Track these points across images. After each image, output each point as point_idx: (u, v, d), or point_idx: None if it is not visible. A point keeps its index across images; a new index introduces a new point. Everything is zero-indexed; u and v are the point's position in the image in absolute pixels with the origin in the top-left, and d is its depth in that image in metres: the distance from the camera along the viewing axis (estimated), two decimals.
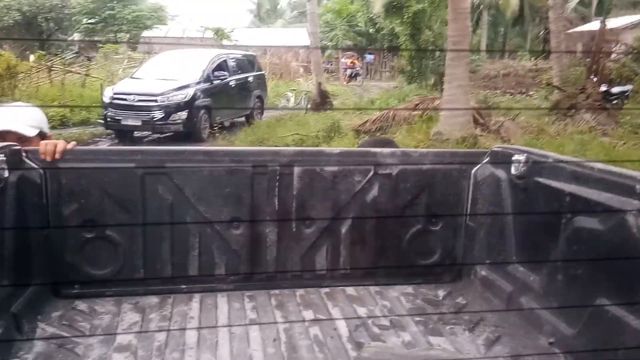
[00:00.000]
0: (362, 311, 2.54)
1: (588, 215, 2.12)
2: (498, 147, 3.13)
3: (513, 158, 2.63)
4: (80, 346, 2.11)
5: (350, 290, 2.76)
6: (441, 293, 2.79)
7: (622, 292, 1.94)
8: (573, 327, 2.14)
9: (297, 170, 2.66)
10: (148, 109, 11.12)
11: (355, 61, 29.51)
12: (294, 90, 18.78)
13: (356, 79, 27.56)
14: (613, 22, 22.23)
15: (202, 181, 2.56)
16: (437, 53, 17.44)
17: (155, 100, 11.14)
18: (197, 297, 2.58)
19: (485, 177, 2.81)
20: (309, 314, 2.48)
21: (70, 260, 2.47)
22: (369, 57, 32.04)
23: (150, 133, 11.68)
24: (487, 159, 2.84)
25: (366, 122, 11.71)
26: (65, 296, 2.46)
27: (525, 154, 2.61)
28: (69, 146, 2.40)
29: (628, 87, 13.59)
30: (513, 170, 2.63)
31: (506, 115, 11.40)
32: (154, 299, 2.53)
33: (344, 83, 26.35)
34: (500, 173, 2.73)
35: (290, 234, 2.71)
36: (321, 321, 2.40)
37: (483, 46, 32.96)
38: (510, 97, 18.41)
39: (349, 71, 28.38)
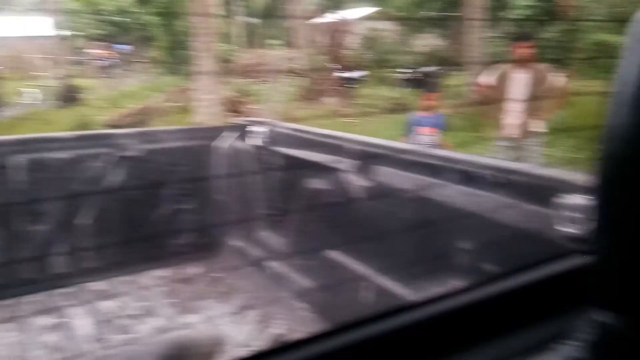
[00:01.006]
0: (111, 305, 2.41)
1: (315, 176, 2.35)
2: (239, 120, 3.25)
3: (251, 129, 2.77)
4: None
5: (101, 284, 2.60)
6: (197, 270, 2.81)
7: (345, 239, 2.20)
8: (312, 279, 2.36)
9: (21, 160, 2.38)
10: None
11: (108, 52, 27.49)
12: (40, 85, 16.73)
13: (109, 71, 25.75)
14: (349, 14, 24.77)
15: None
16: (190, 44, 17.30)
17: None
18: None
19: (229, 149, 2.90)
20: (46, 321, 2.26)
21: None
22: (124, 48, 30.14)
23: None
24: (229, 132, 2.93)
25: (122, 116, 11.10)
26: None
27: (262, 125, 2.77)
28: None
29: (362, 72, 15.38)
30: (252, 141, 2.77)
31: (259, 102, 11.97)
32: None
33: (96, 76, 24.39)
34: (242, 144, 2.85)
35: (18, 235, 2.43)
36: (60, 326, 2.20)
37: (239, 36, 33.69)
38: (265, 84, 19.28)
39: (100, 62, 26.33)
